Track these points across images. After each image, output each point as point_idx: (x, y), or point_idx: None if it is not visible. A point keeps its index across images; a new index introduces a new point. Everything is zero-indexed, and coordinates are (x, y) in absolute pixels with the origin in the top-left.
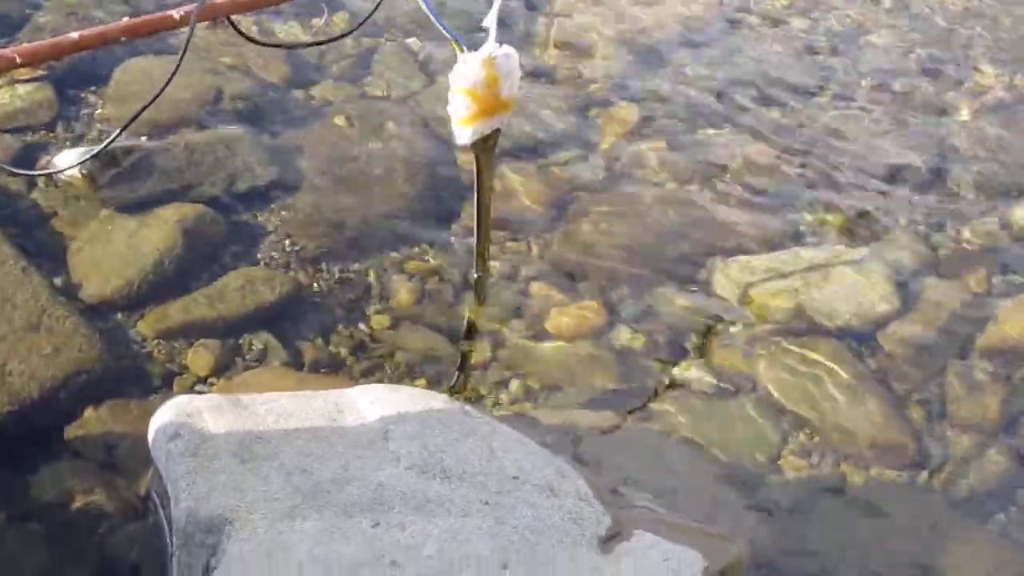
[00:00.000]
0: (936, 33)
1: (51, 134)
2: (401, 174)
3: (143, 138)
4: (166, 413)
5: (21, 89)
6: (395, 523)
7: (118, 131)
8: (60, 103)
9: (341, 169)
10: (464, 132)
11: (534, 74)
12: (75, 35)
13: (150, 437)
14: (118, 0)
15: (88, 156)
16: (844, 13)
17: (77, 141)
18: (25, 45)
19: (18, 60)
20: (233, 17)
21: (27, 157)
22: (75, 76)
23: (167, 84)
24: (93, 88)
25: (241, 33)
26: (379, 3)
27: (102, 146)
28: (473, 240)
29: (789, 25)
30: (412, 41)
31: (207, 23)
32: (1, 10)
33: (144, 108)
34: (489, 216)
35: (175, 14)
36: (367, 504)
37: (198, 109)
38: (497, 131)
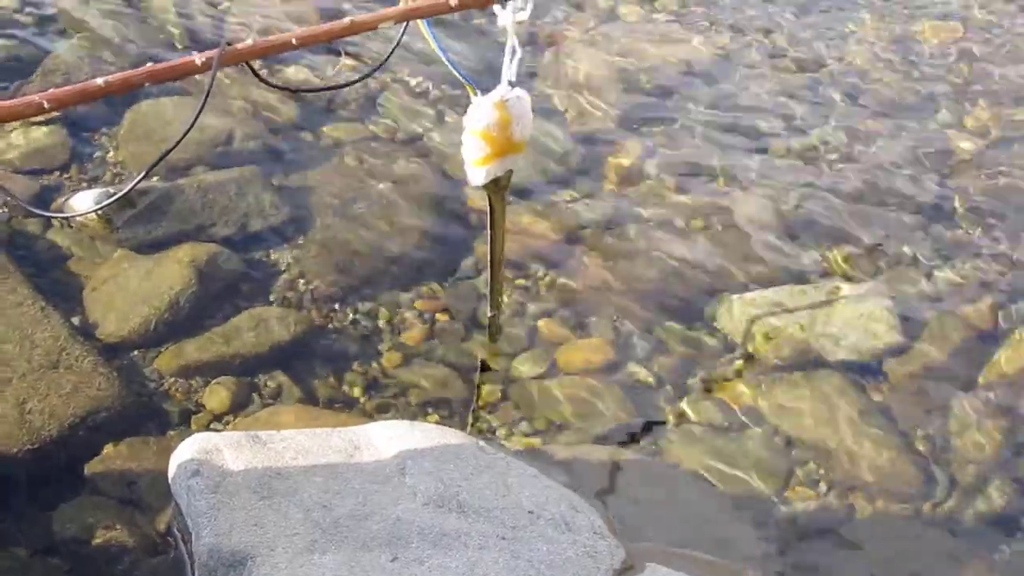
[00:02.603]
0: (936, 70)
1: (66, 176)
2: (411, 213)
3: (156, 179)
4: (186, 450)
5: (36, 131)
6: (413, 558)
7: (140, 176)
8: (74, 145)
9: (352, 208)
10: (478, 173)
11: (541, 112)
12: (101, 81)
13: (170, 473)
14: (126, 42)
15: (111, 200)
16: (845, 51)
17: (92, 183)
18: (53, 91)
19: (46, 105)
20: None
21: (43, 198)
22: (88, 118)
23: (189, 129)
24: (106, 130)
25: (260, 78)
26: (394, 48)
27: (124, 190)
28: (483, 277)
29: (792, 65)
30: (420, 81)
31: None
32: (14, 53)
33: (167, 153)
34: (502, 255)
35: (198, 59)
36: (385, 539)
37: (211, 150)
38: (510, 172)
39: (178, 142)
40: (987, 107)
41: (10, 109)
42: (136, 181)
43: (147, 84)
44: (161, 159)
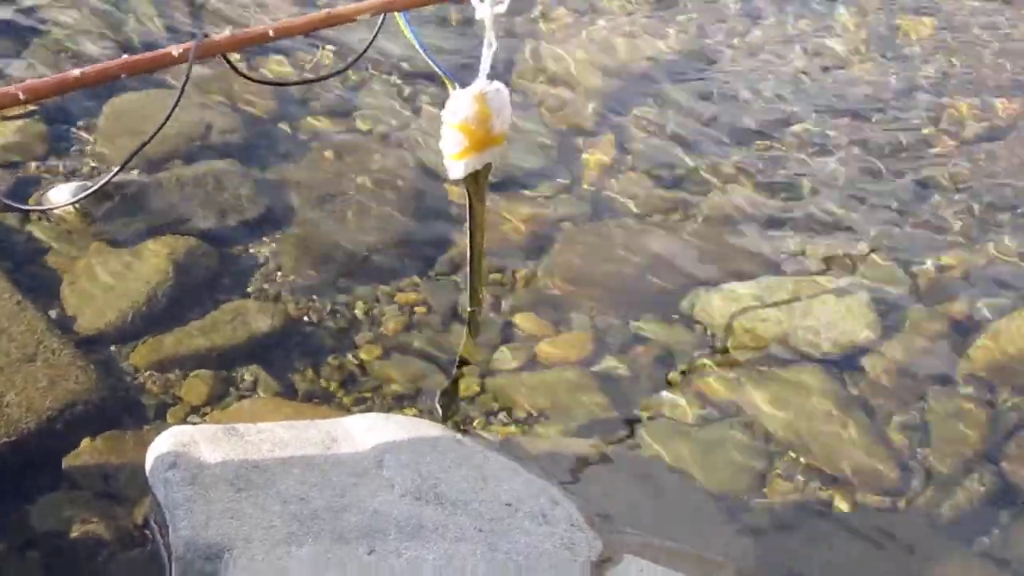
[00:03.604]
0: (914, 65)
1: (43, 168)
2: (389, 206)
3: (134, 172)
4: (163, 443)
5: (12, 124)
6: (391, 549)
7: (117, 169)
8: (51, 138)
9: (330, 202)
10: (456, 167)
11: (519, 106)
12: (77, 72)
13: (147, 466)
14: (103, 36)
15: (87, 193)
16: (825, 44)
17: (70, 176)
18: (29, 82)
19: (21, 96)
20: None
21: (20, 191)
22: (66, 111)
23: (165, 121)
24: (83, 123)
25: (236, 70)
26: (371, 41)
27: (101, 183)
28: (462, 271)
29: (770, 59)
30: (398, 76)
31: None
32: None
33: (143, 146)
34: (482, 249)
35: (174, 51)
36: (363, 531)
37: (188, 143)
38: (489, 165)
39: (154, 134)
40: (967, 101)
41: None
42: (113, 174)
43: (124, 76)
44: (137, 151)
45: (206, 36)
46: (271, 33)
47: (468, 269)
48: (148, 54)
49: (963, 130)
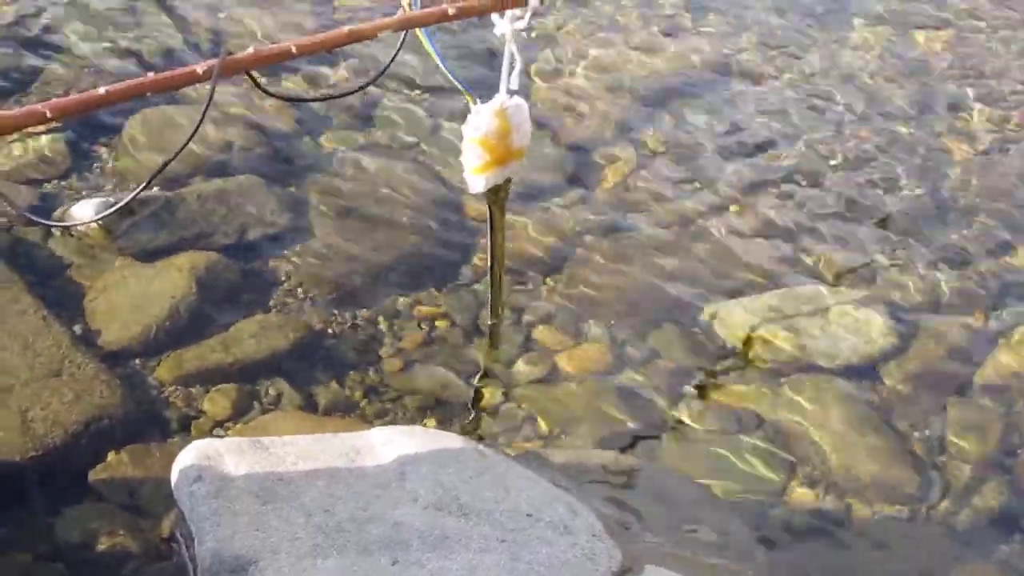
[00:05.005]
0: (929, 76)
1: (66, 184)
2: (409, 220)
3: (156, 188)
4: (188, 456)
5: (36, 141)
6: (414, 560)
7: (142, 186)
8: (74, 154)
9: (350, 216)
10: (477, 181)
11: (539, 120)
12: (102, 90)
13: (173, 479)
14: (124, 53)
15: (112, 210)
16: (842, 57)
17: (92, 192)
18: (55, 100)
19: (48, 114)
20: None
21: (43, 207)
22: (88, 127)
23: (189, 139)
24: (105, 139)
25: (260, 87)
26: (393, 57)
27: (125, 200)
28: (482, 284)
29: (785, 71)
30: (416, 91)
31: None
32: (12, 64)
33: (168, 162)
34: (503, 262)
35: (199, 68)
36: (386, 542)
37: (210, 159)
38: (509, 179)
39: (179, 152)
40: (983, 111)
41: (14, 120)
42: (138, 191)
43: (149, 94)
44: (162, 169)
45: (229, 54)
46: (294, 50)
47: (488, 282)
48: (172, 72)
49: (979, 140)
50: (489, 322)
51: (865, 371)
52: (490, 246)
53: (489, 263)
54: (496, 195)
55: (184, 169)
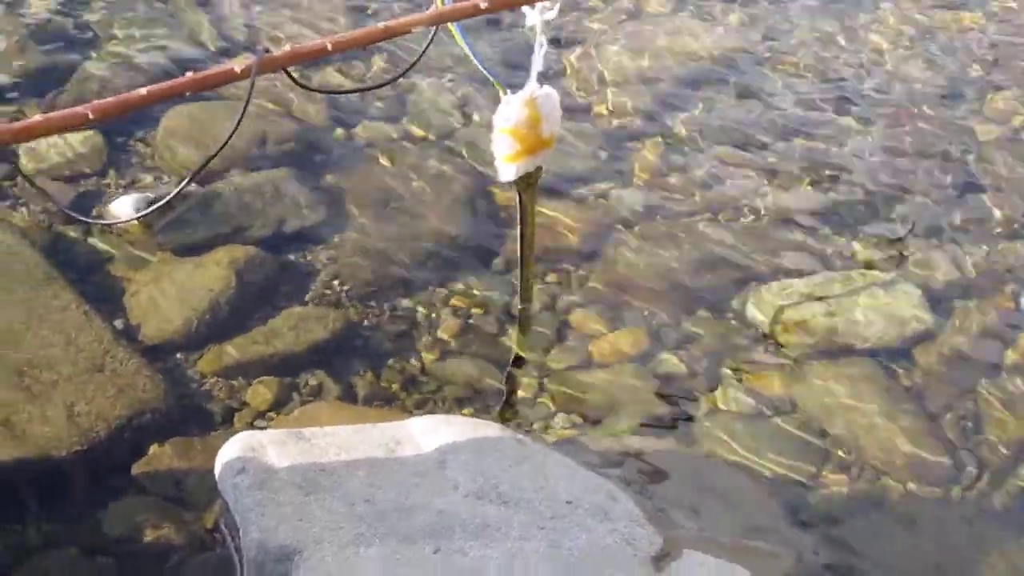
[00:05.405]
0: (958, 59)
1: (104, 181)
2: (443, 210)
3: (193, 183)
4: (231, 448)
5: (74, 138)
6: (456, 548)
7: (183, 183)
8: (111, 150)
9: (385, 207)
10: (508, 170)
11: (568, 109)
12: (143, 91)
13: (217, 472)
14: (158, 51)
15: (154, 207)
16: (870, 41)
17: (129, 188)
18: (97, 102)
19: (91, 116)
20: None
21: (81, 204)
22: (124, 123)
23: (230, 137)
24: (141, 135)
25: (297, 82)
26: (425, 50)
27: (167, 198)
28: (515, 273)
29: (815, 56)
30: (449, 81)
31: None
32: (48, 62)
33: (209, 160)
34: (533, 249)
35: (237, 67)
36: (428, 531)
37: (245, 153)
38: (539, 168)
39: (220, 149)
40: (1010, 93)
41: (58, 121)
42: (179, 188)
43: (188, 93)
44: (203, 167)
45: (267, 52)
46: (330, 47)
47: (519, 269)
48: (211, 71)
49: (1010, 122)
50: (519, 307)
51: (898, 353)
52: (520, 234)
53: (519, 251)
54: (527, 183)
55: (220, 163)
